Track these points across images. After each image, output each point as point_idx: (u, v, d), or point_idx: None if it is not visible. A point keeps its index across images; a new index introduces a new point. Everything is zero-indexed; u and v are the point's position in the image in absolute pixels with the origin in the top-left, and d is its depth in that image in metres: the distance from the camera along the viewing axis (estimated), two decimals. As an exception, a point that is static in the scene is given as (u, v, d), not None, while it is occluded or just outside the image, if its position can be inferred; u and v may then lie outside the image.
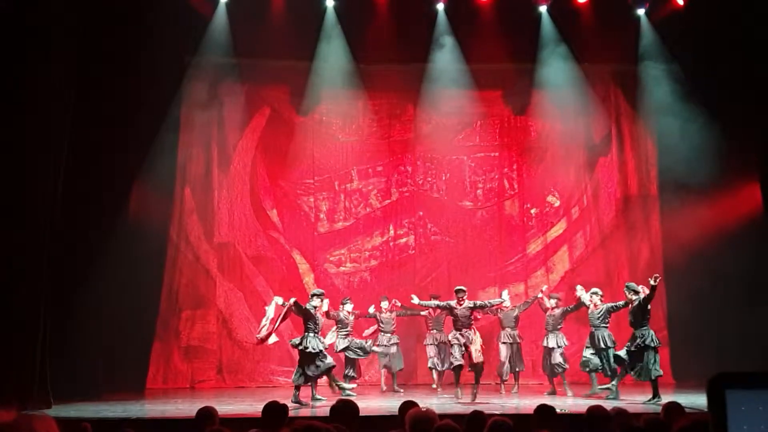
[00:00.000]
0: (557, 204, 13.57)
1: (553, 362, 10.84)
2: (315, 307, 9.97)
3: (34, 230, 9.31)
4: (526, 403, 9.17)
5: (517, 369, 11.22)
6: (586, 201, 13.50)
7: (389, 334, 11.50)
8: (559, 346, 10.83)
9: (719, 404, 1.06)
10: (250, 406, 9.07)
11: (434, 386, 11.64)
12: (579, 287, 10.86)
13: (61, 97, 9.72)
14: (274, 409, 4.71)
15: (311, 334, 9.80)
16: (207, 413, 4.94)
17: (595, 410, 4.75)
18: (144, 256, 11.76)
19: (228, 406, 8.99)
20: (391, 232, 13.43)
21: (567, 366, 10.89)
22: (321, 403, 9.51)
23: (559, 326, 10.97)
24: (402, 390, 11.42)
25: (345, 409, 4.52)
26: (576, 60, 13.02)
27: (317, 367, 9.71)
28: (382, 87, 13.41)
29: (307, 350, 9.68)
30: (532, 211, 13.58)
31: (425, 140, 13.56)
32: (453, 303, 10.23)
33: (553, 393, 10.82)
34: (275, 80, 13.22)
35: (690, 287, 11.78)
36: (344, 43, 12.75)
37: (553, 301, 11.12)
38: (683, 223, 12.28)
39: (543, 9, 12.95)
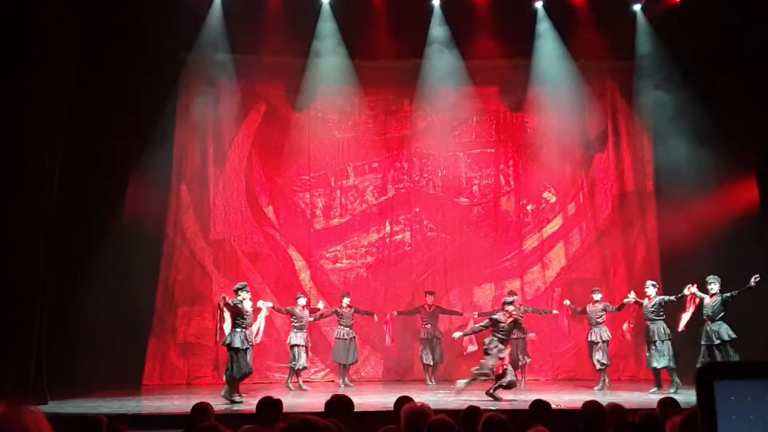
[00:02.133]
0: (553, 200, 13.57)
1: (595, 357, 10.97)
2: (242, 301, 9.69)
3: (31, 226, 9.29)
4: (521, 399, 9.16)
5: (521, 363, 11.42)
6: (582, 197, 13.50)
7: (348, 328, 11.64)
8: (603, 341, 10.92)
9: (708, 395, 1.05)
10: (245, 401, 9.08)
11: (428, 383, 11.70)
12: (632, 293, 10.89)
13: (59, 93, 9.70)
14: (269, 404, 4.70)
15: (239, 330, 9.57)
16: (202, 409, 4.94)
17: (590, 406, 4.75)
18: (140, 253, 11.75)
19: (223, 403, 9.00)
20: (387, 228, 13.42)
21: (608, 362, 10.98)
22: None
23: (600, 320, 11.02)
24: (352, 384, 11.60)
25: (340, 405, 4.53)
26: (572, 56, 13.02)
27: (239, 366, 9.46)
28: (377, 83, 13.39)
29: (233, 346, 9.46)
30: (528, 207, 13.58)
31: (421, 136, 13.55)
32: (499, 316, 9.86)
33: (602, 388, 10.86)
34: (271, 76, 13.18)
35: (686, 284, 11.78)
36: (340, 39, 12.73)
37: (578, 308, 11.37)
38: (679, 220, 12.28)
39: (539, 5, 12.96)
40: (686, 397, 8.03)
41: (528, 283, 13.25)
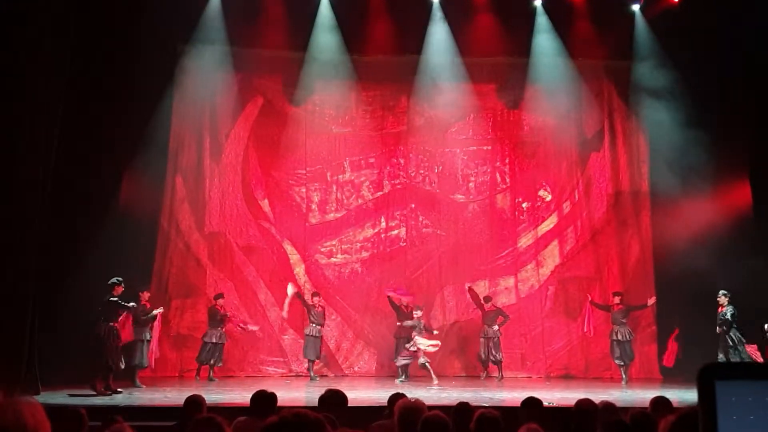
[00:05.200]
0: (549, 198, 13.59)
1: (618, 354, 11.64)
2: (114, 296, 9.81)
3: (25, 218, 9.26)
4: (514, 396, 9.18)
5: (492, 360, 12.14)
6: (578, 196, 13.53)
7: (147, 330, 11.31)
8: (627, 340, 11.60)
9: (708, 395, 1.06)
10: (239, 395, 9.07)
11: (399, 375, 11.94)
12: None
13: (54, 85, 9.66)
14: (263, 398, 4.70)
15: (110, 324, 9.71)
16: (195, 401, 4.93)
17: (582, 404, 4.75)
18: (134, 245, 11.70)
19: (217, 395, 9.00)
20: (383, 224, 13.41)
21: (633, 356, 11.73)
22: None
23: (624, 320, 11.70)
24: (142, 387, 10.76)
25: (334, 399, 4.52)
26: (570, 55, 13.04)
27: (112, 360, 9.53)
28: (375, 78, 13.37)
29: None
30: (524, 205, 13.60)
31: (418, 132, 13.54)
32: None
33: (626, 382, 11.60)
34: (268, 70, 13.16)
35: (679, 283, 11.84)
36: (338, 33, 12.73)
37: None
38: (673, 220, 12.32)
39: (538, 3, 12.96)
40: (680, 396, 8.06)
41: (522, 280, 13.28)
